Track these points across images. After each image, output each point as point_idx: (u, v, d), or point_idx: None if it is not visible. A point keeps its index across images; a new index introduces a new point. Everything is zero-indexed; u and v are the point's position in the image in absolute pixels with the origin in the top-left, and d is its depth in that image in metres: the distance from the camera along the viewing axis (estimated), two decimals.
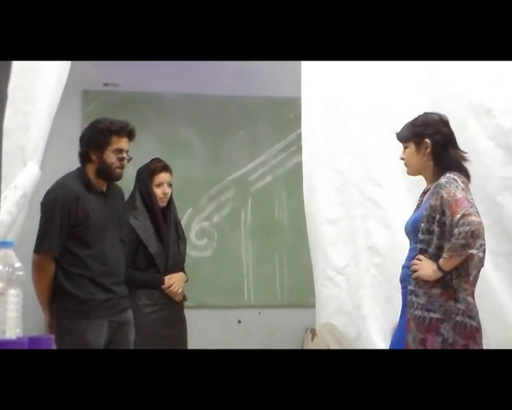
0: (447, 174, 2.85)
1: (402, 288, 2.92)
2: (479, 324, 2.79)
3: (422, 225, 2.82)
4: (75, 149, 4.19)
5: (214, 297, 4.57)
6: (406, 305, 2.85)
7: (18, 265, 2.54)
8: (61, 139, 4.00)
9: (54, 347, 2.72)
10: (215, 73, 4.61)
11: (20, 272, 2.54)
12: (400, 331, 2.89)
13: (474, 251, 2.74)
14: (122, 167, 3.24)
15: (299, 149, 3.86)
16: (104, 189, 3.26)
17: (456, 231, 2.72)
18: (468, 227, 2.71)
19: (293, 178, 4.27)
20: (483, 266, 2.81)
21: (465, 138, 3.39)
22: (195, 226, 4.63)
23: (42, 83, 3.24)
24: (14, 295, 2.48)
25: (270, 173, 4.75)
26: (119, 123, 3.23)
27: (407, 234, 3.00)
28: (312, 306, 3.78)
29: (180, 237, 3.78)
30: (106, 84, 4.58)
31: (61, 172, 3.39)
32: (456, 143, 2.97)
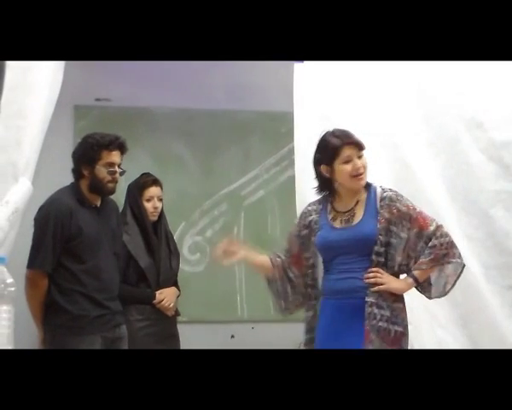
0: (378, 186, 2.89)
1: (337, 299, 2.84)
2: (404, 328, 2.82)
3: (380, 237, 2.79)
4: (67, 164, 4.18)
5: (207, 312, 4.56)
6: (360, 314, 2.77)
7: (10, 281, 2.54)
8: (53, 155, 3.99)
9: None
10: (207, 88, 4.62)
11: (12, 288, 2.53)
12: (348, 336, 2.80)
13: (453, 260, 2.80)
14: (114, 181, 3.24)
15: (292, 164, 3.86)
16: (98, 203, 3.26)
17: (435, 242, 2.77)
18: (447, 238, 2.79)
19: (286, 193, 4.28)
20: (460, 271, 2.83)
21: (457, 151, 3.41)
22: (188, 241, 4.63)
23: (34, 99, 3.24)
24: (5, 311, 2.48)
25: (263, 187, 4.76)
26: (109, 137, 3.23)
27: (334, 248, 2.88)
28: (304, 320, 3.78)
29: (172, 252, 3.77)
30: (98, 100, 4.58)
31: (53, 188, 3.39)
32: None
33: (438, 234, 2.78)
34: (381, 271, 2.79)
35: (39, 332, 3.15)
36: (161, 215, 3.74)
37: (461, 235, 3.36)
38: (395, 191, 2.87)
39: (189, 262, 4.57)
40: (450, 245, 2.79)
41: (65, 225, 3.11)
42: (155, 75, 4.55)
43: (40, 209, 3.19)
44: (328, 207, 2.97)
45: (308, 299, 2.98)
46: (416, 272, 2.80)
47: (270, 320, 4.59)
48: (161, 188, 3.74)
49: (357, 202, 2.90)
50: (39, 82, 3.26)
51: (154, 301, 3.59)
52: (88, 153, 3.20)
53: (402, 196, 2.86)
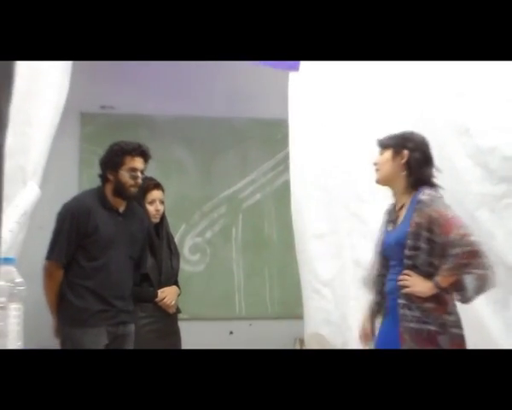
0: (425, 190, 2.77)
1: (390, 299, 2.82)
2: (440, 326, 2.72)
3: (409, 241, 2.72)
4: (73, 169, 4.18)
5: (207, 310, 4.56)
6: (396, 315, 2.75)
7: (19, 280, 2.54)
8: (59, 160, 3.98)
9: None
10: (207, 96, 4.62)
11: (22, 288, 2.53)
12: (390, 339, 2.78)
13: (475, 270, 2.66)
14: (136, 185, 3.29)
15: (287, 168, 3.87)
16: (122, 208, 3.31)
17: (457, 250, 2.63)
18: (469, 247, 2.64)
19: (282, 196, 4.28)
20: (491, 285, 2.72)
21: (445, 156, 3.40)
22: (189, 242, 4.63)
23: (41, 106, 3.23)
24: (15, 309, 2.48)
25: (260, 191, 4.76)
26: (132, 144, 3.30)
27: (385, 251, 2.90)
28: (300, 317, 3.78)
29: (172, 252, 3.77)
30: (103, 107, 4.58)
31: (60, 191, 3.40)
32: (432, 166, 2.88)
33: (462, 243, 2.63)
34: (410, 273, 2.72)
35: (54, 321, 3.20)
36: (163, 217, 3.73)
37: None
38: (433, 195, 2.76)
39: (190, 262, 4.56)
40: (473, 255, 2.63)
41: (81, 222, 3.16)
42: (158, 84, 4.55)
43: (63, 207, 3.26)
44: (392, 208, 2.93)
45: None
46: (438, 278, 2.68)
47: (266, 317, 4.60)
48: (163, 191, 3.74)
49: (403, 205, 2.84)
50: (47, 90, 3.26)
51: (157, 300, 3.58)
52: (113, 159, 3.27)
53: (438, 200, 2.75)
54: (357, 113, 3.61)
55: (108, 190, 3.28)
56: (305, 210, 3.67)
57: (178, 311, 3.71)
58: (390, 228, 2.89)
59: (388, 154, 2.86)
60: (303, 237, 3.66)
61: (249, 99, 4.65)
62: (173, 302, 3.63)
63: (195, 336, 4.15)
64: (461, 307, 3.28)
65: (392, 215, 2.91)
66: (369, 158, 3.51)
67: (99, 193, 3.30)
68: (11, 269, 2.55)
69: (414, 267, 2.74)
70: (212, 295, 4.58)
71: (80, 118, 4.52)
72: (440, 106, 3.46)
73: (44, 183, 3.33)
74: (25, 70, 3.00)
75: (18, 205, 3.11)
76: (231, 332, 4.57)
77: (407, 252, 2.74)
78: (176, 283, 3.74)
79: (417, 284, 2.71)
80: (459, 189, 3.38)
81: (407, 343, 2.70)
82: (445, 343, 2.68)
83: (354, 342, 3.51)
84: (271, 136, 4.68)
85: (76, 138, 4.46)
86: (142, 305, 3.53)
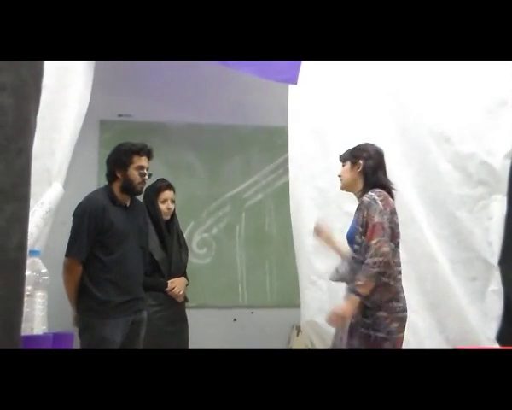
0: (370, 193, 2.81)
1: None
2: (387, 334, 2.71)
3: (356, 237, 2.76)
4: (93, 170, 4.19)
5: (213, 298, 4.56)
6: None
7: (44, 270, 2.56)
8: (81, 162, 4.01)
9: (73, 341, 2.73)
10: (214, 106, 4.63)
11: (46, 277, 2.56)
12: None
13: (386, 280, 2.67)
14: (143, 182, 3.26)
15: (286, 171, 3.88)
16: (128, 203, 3.27)
17: (370, 260, 2.64)
18: (382, 258, 2.64)
19: (281, 196, 4.28)
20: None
21: (428, 162, 3.42)
22: (197, 237, 4.63)
23: (65, 114, 3.26)
24: (40, 297, 2.51)
25: (262, 192, 4.76)
26: (139, 144, 3.26)
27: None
28: (298, 306, 3.79)
29: (182, 247, 3.78)
30: (120, 115, 4.59)
31: (81, 191, 3.40)
32: (385, 173, 2.92)
33: (373, 252, 2.64)
34: (336, 314, 2.73)
35: (73, 311, 3.16)
36: (173, 215, 3.74)
37: (430, 233, 3.38)
38: (374, 199, 2.76)
39: (198, 255, 4.57)
40: (384, 266, 2.64)
41: (98, 219, 3.12)
42: (170, 95, 4.56)
43: (78, 206, 3.19)
44: None
45: None
46: (357, 289, 2.68)
47: (266, 306, 4.60)
48: (174, 192, 3.75)
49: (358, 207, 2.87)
50: (70, 100, 3.28)
51: (167, 289, 3.60)
52: (122, 158, 3.22)
53: (373, 205, 2.74)
54: (349, 121, 3.63)
55: (116, 187, 3.23)
56: (303, 209, 3.68)
57: (186, 300, 3.72)
58: None
59: (347, 165, 2.95)
60: (300, 234, 3.68)
61: (252, 108, 4.66)
62: (182, 292, 3.64)
63: (202, 322, 4.17)
64: (442, 297, 3.30)
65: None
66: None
67: (108, 191, 3.24)
68: (37, 260, 2.57)
69: (358, 262, 2.72)
70: (217, 285, 4.58)
71: (99, 125, 4.53)
72: (424, 116, 3.47)
73: (67, 183, 3.35)
74: (52, 83, 3.02)
75: (43, 203, 3.13)
76: (235, 319, 4.58)
77: (355, 247, 2.76)
78: (184, 274, 3.75)
79: (338, 311, 2.74)
80: (440, 191, 3.39)
81: (354, 347, 2.70)
82: (356, 335, 2.71)
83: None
84: (272, 142, 4.69)
85: (95, 144, 4.47)
86: (154, 294, 3.54)
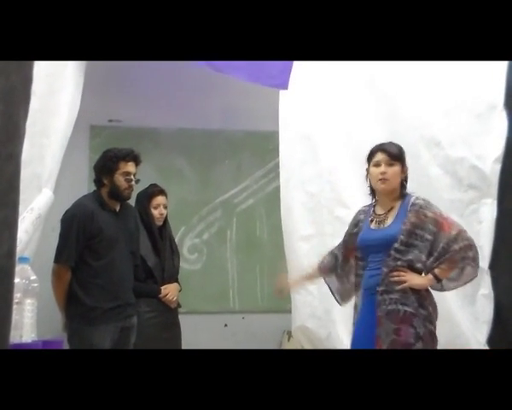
0: (415, 196, 2.82)
1: (369, 294, 2.77)
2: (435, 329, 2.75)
3: (402, 237, 2.72)
4: (84, 176, 4.17)
5: (204, 304, 4.55)
6: (373, 306, 2.72)
7: (33, 277, 2.54)
8: (71, 168, 3.98)
9: (63, 348, 2.71)
10: (205, 111, 4.62)
11: (35, 284, 2.53)
12: (365, 330, 2.75)
13: (470, 262, 2.73)
14: (130, 188, 3.23)
15: (277, 176, 3.88)
16: (117, 208, 3.25)
17: (455, 246, 2.70)
18: (466, 242, 2.72)
19: (272, 201, 4.28)
20: (476, 275, 2.80)
21: (419, 166, 3.42)
22: (188, 243, 4.62)
23: (55, 120, 3.24)
24: (29, 304, 2.48)
25: (252, 197, 4.76)
26: (125, 150, 3.23)
27: (365, 246, 2.86)
28: (289, 311, 3.78)
29: (174, 252, 3.76)
30: (110, 121, 4.57)
31: (71, 197, 3.37)
32: None
33: (459, 238, 2.71)
34: (404, 270, 2.70)
35: (62, 318, 3.13)
36: (166, 221, 3.73)
37: None
38: (427, 200, 2.80)
39: (189, 261, 4.55)
40: (469, 249, 2.72)
41: (87, 225, 3.10)
42: (161, 100, 4.55)
43: (66, 212, 3.17)
44: (372, 210, 2.92)
45: (356, 289, 2.89)
46: (437, 271, 2.72)
47: (258, 311, 4.59)
48: (166, 197, 3.73)
49: (392, 208, 2.83)
50: (60, 105, 3.26)
51: (160, 296, 3.58)
52: (108, 164, 3.20)
53: (432, 205, 2.79)
54: (339, 126, 3.63)
55: (104, 193, 3.21)
56: (294, 214, 3.68)
57: (179, 305, 3.71)
58: (374, 226, 2.85)
59: (398, 167, 2.84)
60: (291, 239, 3.67)
61: (243, 114, 4.65)
62: (175, 298, 3.63)
63: (194, 328, 4.15)
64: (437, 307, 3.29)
65: (373, 215, 2.88)
66: (350, 166, 3.54)
67: (97, 197, 3.22)
68: (26, 267, 2.55)
69: (399, 260, 2.71)
70: (208, 290, 4.57)
71: (90, 130, 4.51)
72: (414, 120, 3.47)
73: (57, 189, 3.32)
74: (42, 88, 3.00)
75: (33, 209, 3.10)
76: (226, 325, 4.57)
77: (397, 245, 2.72)
78: (177, 280, 3.74)
79: (415, 278, 2.71)
80: (431, 195, 3.38)
81: (385, 325, 2.66)
82: (418, 325, 2.67)
83: (337, 335, 3.52)
84: (263, 147, 4.68)
85: (86, 149, 4.45)
86: (147, 300, 3.52)
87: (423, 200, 2.80)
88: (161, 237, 3.67)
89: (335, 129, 3.64)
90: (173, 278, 3.69)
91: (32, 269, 2.59)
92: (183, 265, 3.97)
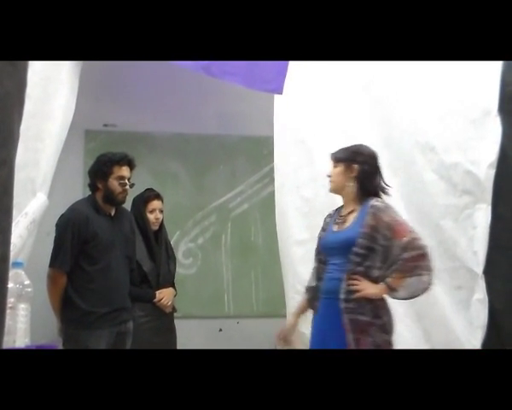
0: (376, 199, 2.78)
1: (329, 298, 2.76)
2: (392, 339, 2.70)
3: (361, 240, 2.69)
4: (78, 180, 4.16)
5: (199, 309, 4.54)
6: (335, 312, 2.70)
7: (27, 282, 2.51)
8: (66, 172, 3.97)
9: None
10: (200, 115, 4.62)
11: (29, 289, 2.51)
12: (331, 336, 2.73)
13: (422, 272, 2.65)
14: (124, 192, 3.24)
15: (272, 181, 3.87)
16: (112, 212, 3.25)
17: (406, 255, 2.63)
18: (419, 251, 2.64)
19: (267, 206, 4.27)
20: (430, 285, 2.70)
21: (413, 171, 3.43)
22: (182, 247, 4.61)
23: (50, 124, 3.22)
24: (23, 309, 2.46)
25: (247, 201, 4.75)
26: (119, 154, 3.24)
27: (326, 249, 2.86)
28: (284, 316, 3.77)
29: (170, 257, 3.75)
30: (105, 125, 4.56)
31: (65, 201, 3.37)
32: (381, 177, 2.89)
33: (409, 247, 2.64)
34: (359, 278, 2.68)
35: (58, 323, 3.13)
36: (162, 225, 3.72)
37: None
38: (386, 204, 2.77)
39: (183, 266, 4.55)
40: (421, 258, 2.64)
41: (82, 230, 3.10)
42: (156, 105, 4.55)
43: (61, 217, 3.18)
44: (337, 212, 2.93)
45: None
46: (388, 280, 2.67)
47: (252, 316, 4.59)
48: (162, 201, 3.72)
49: (352, 211, 2.83)
50: (55, 110, 3.25)
51: (155, 300, 3.56)
52: (102, 168, 3.21)
53: (390, 208, 2.75)
54: (334, 131, 3.63)
55: (99, 197, 3.21)
56: (288, 219, 3.67)
57: (174, 310, 3.70)
58: (336, 228, 2.85)
59: (341, 168, 2.87)
60: (286, 243, 3.66)
61: (238, 118, 4.65)
62: (170, 303, 3.62)
63: (188, 332, 4.14)
64: (427, 306, 3.30)
65: (337, 218, 2.89)
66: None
67: (91, 201, 3.22)
68: (20, 272, 2.53)
69: (359, 265, 2.69)
70: (203, 295, 4.56)
71: (85, 135, 4.50)
72: (409, 126, 3.48)
73: (51, 193, 3.31)
74: (37, 93, 2.99)
75: (27, 213, 3.08)
76: (220, 329, 4.56)
77: (358, 250, 2.69)
78: (172, 284, 3.73)
79: (368, 288, 2.67)
80: (426, 200, 3.40)
81: (350, 333, 2.64)
82: (375, 334, 2.65)
83: None
84: (258, 152, 4.68)
85: (80, 154, 4.44)
86: (141, 305, 3.51)
87: (382, 203, 2.77)
88: (157, 241, 3.67)
89: (330, 134, 3.64)
90: (169, 283, 3.68)
91: (27, 274, 2.57)
92: (177, 269, 3.96)
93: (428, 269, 2.66)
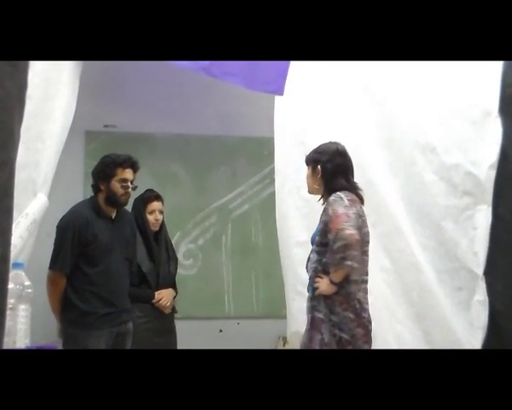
0: (337, 193, 2.80)
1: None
2: (351, 337, 2.66)
3: (317, 238, 2.74)
4: (79, 181, 4.16)
5: (199, 310, 4.54)
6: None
7: (27, 283, 2.51)
8: (66, 173, 3.97)
9: None
10: (200, 116, 4.62)
11: (30, 290, 2.51)
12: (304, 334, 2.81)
13: (349, 262, 2.63)
14: (127, 195, 3.24)
15: (273, 181, 3.87)
16: (113, 214, 3.25)
17: (333, 247, 2.64)
18: (343, 241, 2.61)
19: (268, 206, 4.27)
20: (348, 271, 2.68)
21: (414, 172, 3.42)
22: (183, 248, 4.61)
23: (50, 124, 3.22)
24: (23, 310, 2.46)
25: (248, 202, 4.75)
26: (123, 156, 3.23)
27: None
28: (284, 317, 3.77)
29: (170, 258, 3.75)
30: (106, 126, 4.57)
31: (66, 202, 3.37)
32: (348, 172, 2.89)
33: (337, 238, 2.62)
34: (321, 275, 2.71)
35: (58, 324, 3.14)
36: (162, 226, 3.72)
37: (416, 244, 3.38)
38: (338, 196, 2.76)
39: (184, 266, 4.54)
40: (346, 248, 2.59)
41: (82, 232, 3.10)
42: (156, 105, 4.55)
43: (62, 219, 3.18)
44: None
45: None
46: (331, 275, 2.69)
47: (253, 317, 4.59)
48: (162, 202, 3.72)
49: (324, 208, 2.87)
50: (55, 110, 3.24)
51: (154, 301, 3.56)
52: (105, 170, 3.21)
53: (338, 200, 2.74)
54: (334, 132, 3.62)
55: (101, 199, 3.21)
56: (289, 220, 3.67)
57: (175, 311, 3.69)
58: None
59: (309, 170, 2.96)
60: (286, 244, 3.66)
61: (239, 119, 4.65)
62: (169, 303, 3.61)
63: (189, 333, 4.13)
64: (428, 307, 3.30)
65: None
66: None
67: (93, 203, 3.22)
68: (20, 273, 2.53)
69: (319, 262, 2.74)
70: (203, 296, 4.56)
71: (85, 136, 4.50)
72: (409, 127, 3.48)
73: (52, 194, 3.31)
74: (37, 93, 2.99)
75: (28, 214, 3.08)
76: (221, 330, 4.56)
77: (315, 247, 2.77)
78: (173, 285, 3.72)
79: (321, 284, 2.71)
80: (426, 201, 3.39)
81: (306, 332, 2.72)
82: (325, 331, 2.67)
83: None
84: (258, 152, 4.69)
85: (81, 154, 4.45)
86: (140, 305, 3.51)
87: (335, 196, 2.76)
88: (157, 242, 3.66)
89: (331, 135, 3.63)
90: (169, 284, 3.67)
91: (27, 274, 2.57)
92: (178, 270, 3.96)
93: (352, 259, 2.62)
